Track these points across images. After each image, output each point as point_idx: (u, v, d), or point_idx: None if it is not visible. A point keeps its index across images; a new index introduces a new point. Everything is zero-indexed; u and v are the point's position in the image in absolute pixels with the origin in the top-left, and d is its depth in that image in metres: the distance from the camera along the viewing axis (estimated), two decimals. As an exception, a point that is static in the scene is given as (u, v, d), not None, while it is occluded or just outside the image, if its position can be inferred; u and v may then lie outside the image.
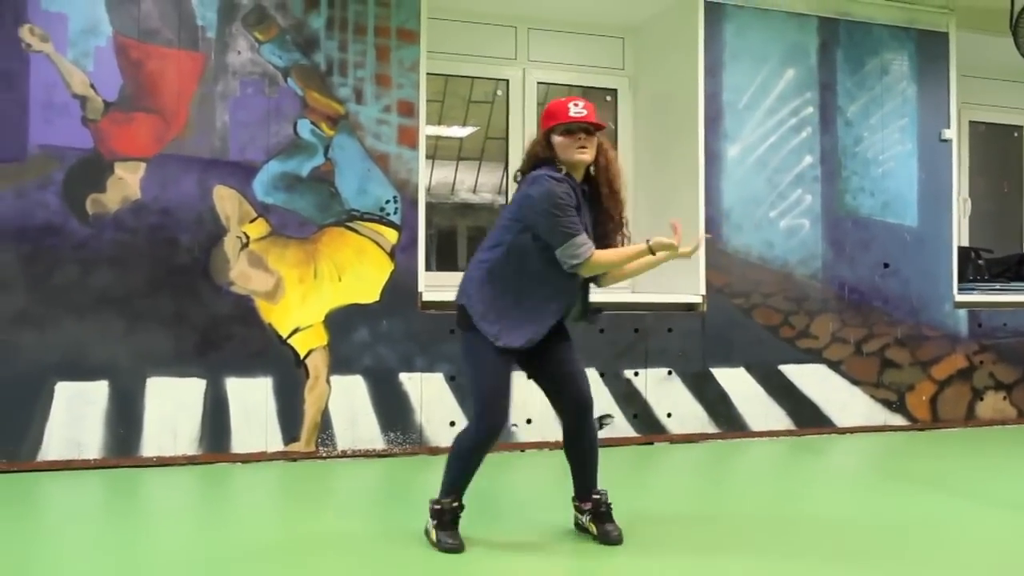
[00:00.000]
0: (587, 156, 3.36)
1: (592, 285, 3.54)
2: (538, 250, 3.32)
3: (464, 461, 3.44)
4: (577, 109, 3.35)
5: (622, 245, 3.47)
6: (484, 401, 3.37)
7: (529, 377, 3.57)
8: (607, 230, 3.47)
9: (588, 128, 3.35)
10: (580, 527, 3.60)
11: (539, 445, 5.36)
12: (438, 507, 3.44)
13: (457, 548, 3.36)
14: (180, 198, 4.88)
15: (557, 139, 3.36)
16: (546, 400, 3.57)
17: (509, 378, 3.40)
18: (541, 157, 3.39)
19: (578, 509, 3.59)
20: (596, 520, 3.51)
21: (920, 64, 6.41)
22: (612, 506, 3.53)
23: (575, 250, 3.25)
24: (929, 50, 6.42)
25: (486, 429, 3.37)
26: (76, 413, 4.70)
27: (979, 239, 7.47)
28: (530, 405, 5.33)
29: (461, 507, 3.46)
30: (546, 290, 3.37)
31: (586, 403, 3.50)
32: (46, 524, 3.95)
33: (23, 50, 4.68)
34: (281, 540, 3.61)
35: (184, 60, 4.94)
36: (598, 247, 3.34)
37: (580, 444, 3.53)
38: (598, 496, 3.52)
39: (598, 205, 3.47)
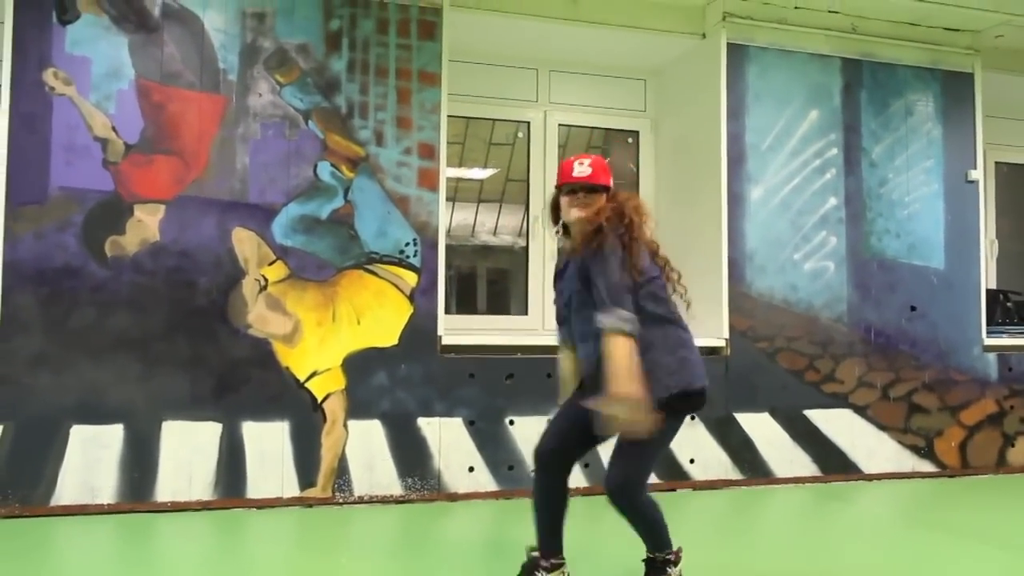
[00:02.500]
0: (576, 213, 3.29)
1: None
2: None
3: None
4: (581, 169, 3.31)
5: (597, 283, 3.16)
6: None
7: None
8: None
9: (587, 187, 3.30)
10: None
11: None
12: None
13: None
14: (199, 240, 4.87)
15: (563, 199, 3.37)
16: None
17: (561, 412, 3.45)
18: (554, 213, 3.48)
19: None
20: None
21: (945, 105, 6.34)
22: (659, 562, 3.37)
23: (618, 321, 3.05)
24: (954, 91, 6.36)
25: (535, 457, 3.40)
26: (91, 457, 4.65)
27: (1007, 281, 7.35)
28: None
29: (538, 563, 3.36)
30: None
31: (608, 488, 3.24)
32: (60, 572, 3.88)
33: (47, 93, 4.70)
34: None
35: (205, 102, 4.95)
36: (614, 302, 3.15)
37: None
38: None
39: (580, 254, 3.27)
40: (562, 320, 3.47)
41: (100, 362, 4.70)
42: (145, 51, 4.85)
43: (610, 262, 3.10)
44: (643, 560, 3.37)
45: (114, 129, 4.78)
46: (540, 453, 3.38)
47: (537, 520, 3.38)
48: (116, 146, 4.78)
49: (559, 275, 3.47)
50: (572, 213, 3.31)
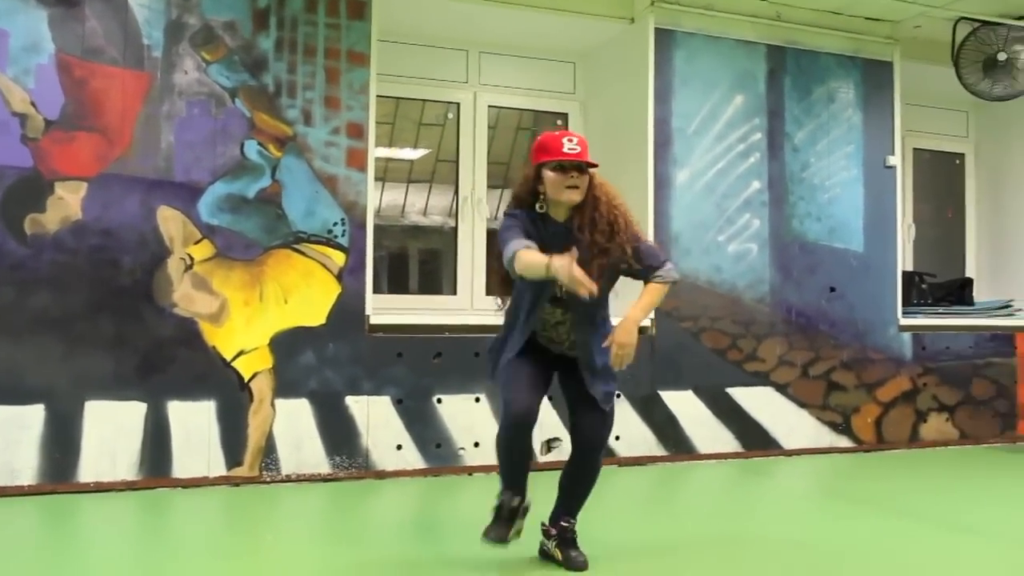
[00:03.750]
0: (577, 197, 3.29)
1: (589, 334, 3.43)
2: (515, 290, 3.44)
3: (498, 453, 3.41)
4: (571, 146, 3.27)
5: (640, 256, 3.38)
6: (504, 397, 3.37)
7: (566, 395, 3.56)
8: (602, 257, 3.33)
9: (580, 166, 3.29)
10: (544, 553, 3.54)
11: (487, 469, 5.33)
12: (497, 500, 3.40)
13: (496, 538, 3.33)
14: (123, 219, 4.81)
15: (548, 174, 3.30)
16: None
17: (525, 373, 3.35)
18: (529, 191, 3.39)
19: (546, 534, 3.53)
20: (561, 546, 3.46)
21: (866, 92, 6.53)
22: (578, 535, 3.49)
23: (506, 253, 3.20)
24: (874, 79, 6.55)
25: (503, 418, 3.34)
26: (10, 437, 4.58)
27: (923, 264, 7.60)
28: (477, 428, 5.33)
29: (518, 505, 3.38)
30: (522, 313, 3.40)
31: (591, 440, 3.44)
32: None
33: (-39, 67, 4.59)
34: (222, 569, 3.54)
35: (129, 79, 4.88)
36: (613, 275, 3.39)
37: (575, 474, 3.50)
38: (566, 524, 3.48)
39: (588, 238, 3.32)
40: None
41: (19, 342, 4.62)
42: (65, 25, 4.75)
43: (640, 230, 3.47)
44: (561, 527, 3.47)
45: (33, 104, 4.69)
46: (527, 422, 3.29)
47: (519, 470, 3.39)
48: (35, 122, 4.69)
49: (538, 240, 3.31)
50: (568, 195, 3.28)
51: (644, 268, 3.40)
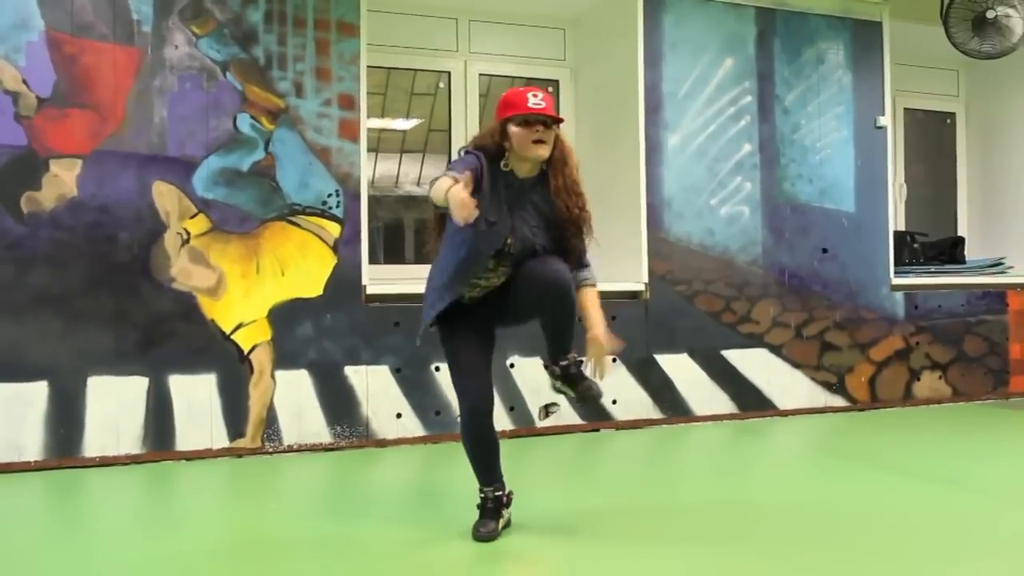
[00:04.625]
0: (544, 151, 3.28)
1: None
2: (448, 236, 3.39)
3: (467, 451, 3.47)
4: (536, 100, 3.24)
5: (582, 242, 3.39)
6: (455, 385, 3.43)
7: (516, 322, 3.51)
8: (563, 225, 3.35)
9: (546, 120, 3.27)
10: (557, 389, 3.47)
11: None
12: (480, 495, 3.47)
13: (485, 536, 3.37)
14: (118, 195, 4.83)
15: (514, 130, 3.25)
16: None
17: (467, 352, 3.39)
18: (491, 144, 3.32)
19: (551, 374, 3.44)
20: (570, 382, 3.38)
21: (855, 53, 6.54)
22: (583, 363, 3.41)
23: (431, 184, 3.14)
24: (864, 39, 6.56)
25: (464, 413, 3.40)
26: (14, 415, 4.63)
27: (915, 223, 7.65)
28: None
29: (502, 496, 3.45)
30: (452, 262, 3.33)
31: (555, 279, 3.25)
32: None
33: (-49, 46, 4.59)
34: (229, 539, 3.62)
35: (120, 55, 4.88)
36: (556, 248, 3.33)
37: (554, 313, 3.32)
38: (566, 362, 3.37)
39: (553, 200, 3.34)
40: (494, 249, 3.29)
41: (20, 320, 4.66)
42: (54, 1, 4.74)
43: (590, 225, 3.40)
44: (563, 366, 3.37)
45: (25, 82, 4.69)
46: (485, 409, 3.37)
47: (488, 464, 3.46)
48: (28, 99, 4.70)
49: (496, 200, 3.28)
50: (536, 149, 3.25)
51: (574, 253, 3.37)
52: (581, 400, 3.44)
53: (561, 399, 3.60)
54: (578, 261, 3.42)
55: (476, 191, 3.11)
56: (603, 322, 3.43)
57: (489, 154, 3.32)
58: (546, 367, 3.47)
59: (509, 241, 3.28)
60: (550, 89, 6.53)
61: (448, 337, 3.45)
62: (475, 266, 3.30)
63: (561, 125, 3.35)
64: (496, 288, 3.40)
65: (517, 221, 3.31)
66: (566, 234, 3.37)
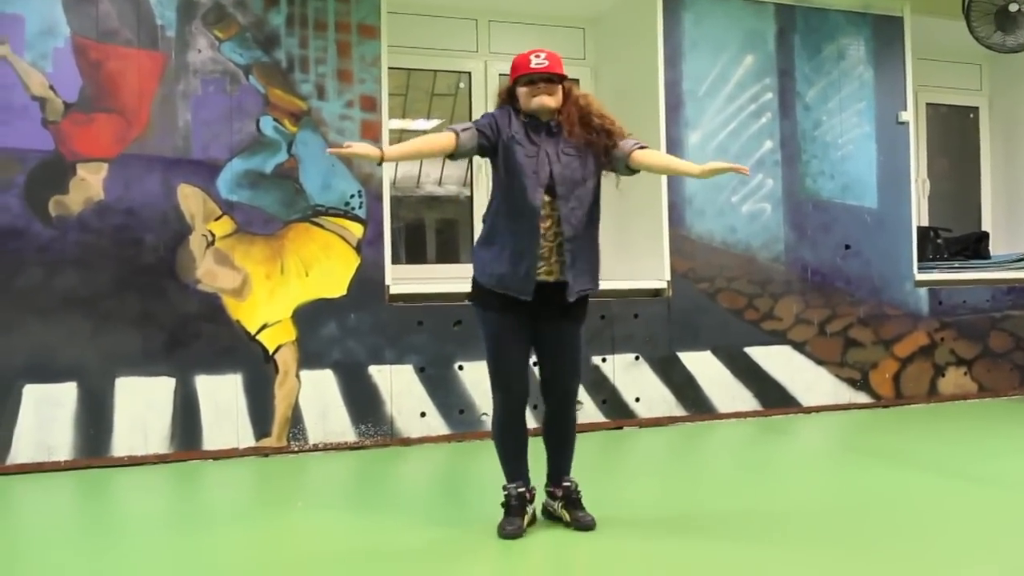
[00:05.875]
0: (548, 101, 3.40)
1: (573, 252, 3.44)
2: (498, 186, 3.47)
3: (496, 443, 3.54)
4: (539, 60, 3.40)
5: (622, 139, 3.50)
6: (494, 373, 3.48)
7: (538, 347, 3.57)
8: (596, 144, 3.47)
9: (550, 77, 3.40)
10: (550, 514, 3.62)
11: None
12: (504, 492, 3.50)
13: (512, 534, 3.40)
14: (144, 198, 4.89)
15: (520, 90, 3.43)
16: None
17: (512, 341, 3.44)
18: (506, 104, 3.52)
19: (551, 496, 3.62)
20: (568, 507, 3.54)
21: (876, 48, 6.51)
22: (582, 493, 3.57)
23: None
24: (885, 34, 6.53)
25: (499, 404, 3.47)
26: (45, 416, 4.70)
27: (938, 219, 7.60)
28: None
29: (525, 493, 3.49)
30: (506, 229, 3.41)
31: (567, 390, 3.54)
32: (18, 528, 3.96)
33: (-20, 53, 4.66)
34: (256, 537, 3.65)
35: (144, 60, 4.94)
36: (598, 163, 3.49)
37: (556, 433, 3.58)
38: (568, 484, 3.56)
39: (582, 140, 3.45)
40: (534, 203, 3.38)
41: (49, 322, 4.72)
42: (80, 8, 4.81)
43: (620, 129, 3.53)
44: (564, 488, 3.55)
45: (52, 88, 4.76)
46: (520, 400, 3.47)
47: (516, 458, 3.51)
48: (55, 105, 4.76)
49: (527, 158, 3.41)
50: (539, 101, 3.39)
51: (618, 150, 3.48)
52: (576, 528, 3.50)
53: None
54: (630, 140, 3.52)
55: (497, 135, 3.40)
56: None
57: (513, 107, 3.50)
58: (550, 492, 3.60)
59: (552, 171, 3.38)
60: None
61: (489, 319, 3.46)
62: (530, 202, 3.34)
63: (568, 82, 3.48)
64: (548, 290, 3.41)
65: (554, 153, 3.42)
66: (604, 148, 3.47)
